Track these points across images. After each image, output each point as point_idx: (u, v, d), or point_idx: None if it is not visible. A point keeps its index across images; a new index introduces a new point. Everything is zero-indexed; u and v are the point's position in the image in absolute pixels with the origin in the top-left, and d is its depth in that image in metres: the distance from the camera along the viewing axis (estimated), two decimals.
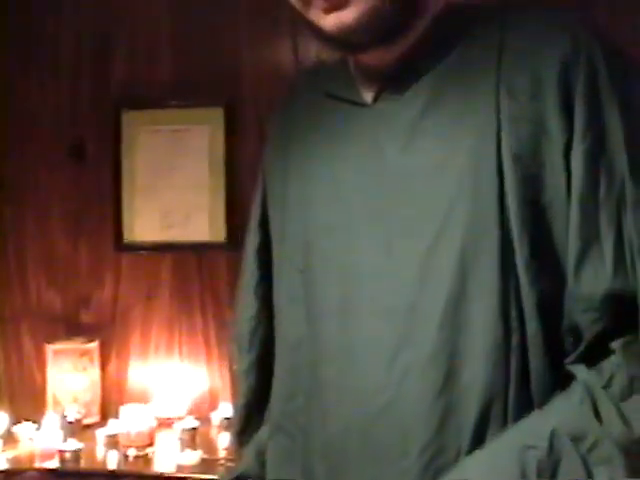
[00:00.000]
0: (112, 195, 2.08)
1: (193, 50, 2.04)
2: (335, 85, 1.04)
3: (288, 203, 1.06)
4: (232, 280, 2.03)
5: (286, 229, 1.06)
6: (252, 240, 1.14)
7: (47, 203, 2.13)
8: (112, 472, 1.79)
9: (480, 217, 0.88)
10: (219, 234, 2.01)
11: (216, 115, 2.00)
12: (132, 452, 1.83)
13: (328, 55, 1.86)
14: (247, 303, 1.13)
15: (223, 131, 2.00)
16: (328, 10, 0.91)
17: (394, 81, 0.96)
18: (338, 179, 0.99)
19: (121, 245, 2.08)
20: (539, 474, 0.81)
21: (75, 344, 2.06)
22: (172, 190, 2.04)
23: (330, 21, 0.91)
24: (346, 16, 0.90)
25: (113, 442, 1.88)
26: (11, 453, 1.87)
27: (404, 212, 0.93)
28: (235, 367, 1.13)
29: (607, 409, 0.81)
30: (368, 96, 0.99)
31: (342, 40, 0.93)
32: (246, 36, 2.02)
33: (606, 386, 0.81)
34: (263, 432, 1.08)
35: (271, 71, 2.01)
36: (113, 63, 2.09)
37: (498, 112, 0.89)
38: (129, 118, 2.06)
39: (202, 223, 2.02)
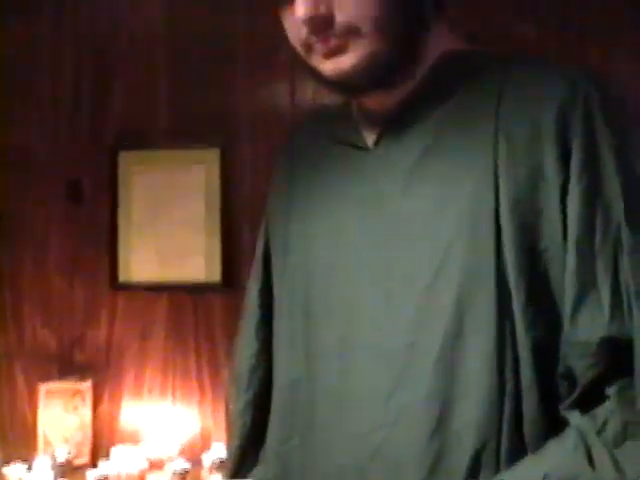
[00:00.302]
0: (109, 235, 2.08)
1: (191, 91, 2.06)
2: (338, 128, 1.06)
3: (290, 245, 1.07)
4: (227, 321, 2.03)
5: (287, 270, 1.07)
6: (255, 281, 1.15)
7: (44, 242, 2.13)
8: None
9: (477, 263, 0.89)
10: (214, 274, 2.01)
11: (213, 156, 2.02)
12: None
13: (324, 99, 1.90)
14: (247, 342, 1.14)
15: (219, 172, 2.01)
16: (327, 55, 0.92)
17: (394, 125, 0.98)
18: (339, 222, 1.01)
19: (117, 284, 2.07)
20: None
21: (67, 384, 2.05)
22: (168, 230, 2.05)
23: (329, 66, 0.93)
24: (344, 62, 0.92)
25: None
26: None
27: (403, 255, 0.94)
28: (231, 406, 1.13)
29: (600, 455, 0.80)
30: (370, 140, 1.00)
31: (341, 84, 0.94)
32: (244, 78, 2.04)
33: (600, 432, 0.81)
34: (257, 472, 1.08)
35: (268, 113, 2.03)
36: (111, 104, 2.11)
37: (496, 158, 0.90)
38: (126, 159, 2.07)
39: (198, 263, 2.03)
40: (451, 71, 0.98)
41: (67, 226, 2.12)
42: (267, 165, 1.96)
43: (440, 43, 0.99)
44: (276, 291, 1.11)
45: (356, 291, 0.97)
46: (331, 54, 0.93)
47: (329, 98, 1.86)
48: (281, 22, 1.98)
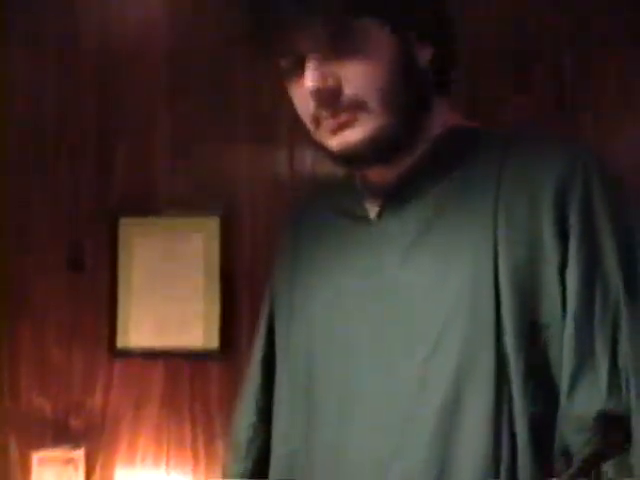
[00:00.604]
0: (108, 301, 2.08)
1: (192, 159, 2.09)
2: (342, 200, 1.08)
3: (293, 314, 1.09)
4: (223, 389, 2.02)
5: (290, 340, 1.08)
6: (258, 349, 1.16)
7: (43, 310, 2.13)
8: None
9: (476, 338, 0.90)
10: (212, 342, 2.01)
11: (212, 224, 2.03)
12: None
13: (323, 168, 1.93)
14: (247, 411, 1.14)
15: (219, 240, 2.03)
16: (335, 130, 0.95)
17: (396, 198, 1.00)
18: (341, 293, 1.02)
19: (114, 351, 2.07)
20: None
21: (61, 452, 2.02)
22: (167, 297, 2.05)
23: (336, 140, 0.96)
24: (351, 136, 0.95)
25: None
26: None
27: (402, 328, 0.95)
28: (228, 475, 1.13)
29: None
30: (372, 212, 1.02)
31: (347, 157, 0.97)
32: (244, 147, 2.07)
33: None
34: None
35: (267, 181, 2.05)
36: (113, 171, 2.13)
37: (496, 235, 0.92)
38: (126, 226, 2.09)
39: (196, 330, 2.02)
40: (452, 147, 1.00)
41: (66, 292, 2.12)
42: (266, 233, 2.01)
43: (441, 120, 1.02)
44: (278, 360, 1.11)
45: (356, 363, 0.98)
46: (339, 128, 0.95)
47: (328, 168, 1.92)
48: (280, 91, 2.02)
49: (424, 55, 1.00)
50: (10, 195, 2.17)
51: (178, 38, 2.13)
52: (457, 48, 1.06)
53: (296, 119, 1.93)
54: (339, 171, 1.86)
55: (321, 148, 1.01)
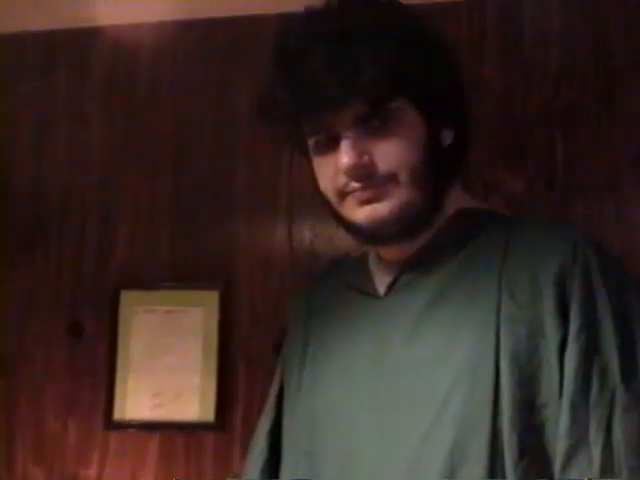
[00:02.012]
0: (106, 374, 2.09)
1: (192, 235, 2.12)
2: (354, 276, 1.11)
3: (301, 385, 1.10)
4: (218, 463, 2.01)
5: (296, 410, 1.09)
6: (266, 420, 1.17)
7: (41, 380, 2.14)
8: None
9: (474, 414, 0.92)
10: (208, 415, 2.01)
11: (211, 298, 2.06)
12: None
13: (321, 245, 1.97)
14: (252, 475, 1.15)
15: (217, 314, 2.05)
16: (364, 202, 0.98)
17: (406, 275, 1.03)
18: (348, 367, 1.04)
19: (110, 423, 2.07)
20: None
21: None
22: (165, 370, 2.06)
23: (364, 212, 0.99)
24: (381, 209, 0.99)
25: None
26: None
27: (403, 402, 0.97)
28: None
29: None
30: (382, 288, 1.05)
31: (371, 231, 1.00)
32: (243, 223, 2.11)
33: None
34: None
35: (266, 257, 2.08)
36: (114, 244, 2.16)
37: (498, 313, 0.94)
38: (127, 298, 2.11)
39: (192, 403, 2.03)
40: (463, 227, 1.04)
41: (65, 362, 2.13)
42: (265, 308, 2.03)
43: (455, 200, 1.06)
44: (285, 431, 1.13)
45: (356, 435, 1.00)
46: (367, 201, 0.98)
47: (327, 243, 1.96)
48: (279, 167, 2.07)
49: (446, 138, 1.04)
50: (14, 268, 2.20)
51: (179, 115, 2.19)
52: (471, 131, 1.11)
53: (295, 194, 2.01)
54: (338, 246, 1.93)
55: (343, 223, 1.04)
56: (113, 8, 2.09)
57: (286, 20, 1.06)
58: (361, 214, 1.00)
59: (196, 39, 2.20)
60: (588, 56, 1.97)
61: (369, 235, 1.02)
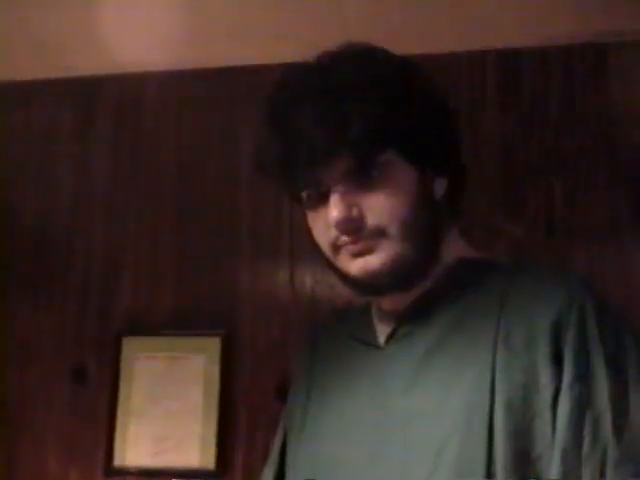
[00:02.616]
0: (107, 420, 2.09)
1: (194, 281, 2.13)
2: (356, 327, 1.12)
3: (303, 435, 1.10)
4: None
5: (297, 461, 1.09)
6: (269, 470, 1.18)
7: (42, 425, 2.13)
8: None
9: (467, 464, 0.91)
10: (209, 461, 2.01)
11: (213, 345, 2.06)
12: None
13: (323, 289, 1.97)
14: None
15: (219, 361, 2.05)
16: (356, 255, 0.99)
17: (405, 325, 1.04)
18: (347, 418, 1.04)
19: (111, 470, 2.06)
20: None
21: None
22: (165, 417, 2.06)
23: (357, 265, 1.00)
24: (372, 261, 0.99)
25: None
26: None
27: (400, 453, 0.97)
28: None
29: None
30: (382, 338, 1.05)
31: (366, 283, 1.00)
32: (246, 268, 2.12)
33: None
34: None
35: (268, 303, 2.08)
36: (118, 292, 2.17)
37: (494, 361, 0.94)
38: (129, 344, 2.12)
39: (193, 450, 2.02)
40: (460, 277, 1.04)
41: (67, 408, 2.13)
42: (267, 354, 2.04)
43: (452, 248, 1.06)
44: (287, 477, 1.13)
45: None
46: (359, 254, 0.99)
47: (328, 288, 1.97)
48: (281, 213, 2.09)
49: (439, 188, 1.05)
50: (17, 311, 2.21)
51: (182, 162, 2.21)
52: (466, 179, 1.11)
53: (296, 241, 2.02)
54: (339, 293, 1.93)
55: (340, 275, 1.04)
56: (118, 57, 2.12)
57: (281, 73, 1.07)
58: (354, 267, 1.00)
59: (200, 88, 2.22)
60: (588, 104, 1.99)
61: (364, 287, 1.03)
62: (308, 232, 1.09)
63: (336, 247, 1.01)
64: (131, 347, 2.12)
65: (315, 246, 1.07)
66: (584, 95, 2.00)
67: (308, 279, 2.06)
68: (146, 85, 2.26)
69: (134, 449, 2.06)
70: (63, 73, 2.25)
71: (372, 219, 0.99)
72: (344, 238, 1.00)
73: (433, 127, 1.03)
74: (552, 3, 1.84)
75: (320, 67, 1.02)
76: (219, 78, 2.21)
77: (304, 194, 1.05)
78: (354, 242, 0.99)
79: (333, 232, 1.00)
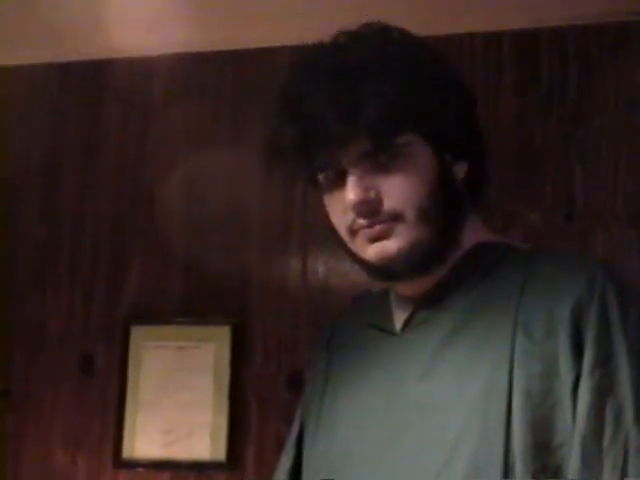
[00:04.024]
0: (115, 410, 2.07)
1: (204, 269, 2.11)
2: (374, 314, 1.11)
3: (320, 423, 1.10)
4: None
5: (314, 449, 1.09)
6: (286, 459, 1.18)
7: (50, 414, 2.12)
8: None
9: (485, 456, 0.90)
10: (219, 453, 1.98)
11: (223, 334, 2.03)
12: None
13: (336, 279, 1.95)
14: None
15: (229, 350, 2.02)
16: (372, 240, 0.97)
17: (422, 311, 1.02)
18: (363, 405, 1.04)
19: (120, 461, 2.04)
20: None
21: None
22: (175, 407, 2.04)
23: (374, 250, 0.98)
24: (389, 246, 0.97)
25: None
26: None
27: (415, 441, 0.96)
28: None
29: None
30: (398, 324, 1.04)
31: (382, 268, 0.98)
32: (257, 258, 2.09)
33: None
34: None
35: (280, 291, 2.06)
36: (126, 279, 2.15)
37: (513, 349, 0.93)
38: (137, 333, 2.09)
39: (203, 441, 2.00)
40: (480, 262, 1.03)
41: (75, 397, 2.12)
42: (278, 344, 2.01)
43: (473, 233, 1.04)
44: (304, 470, 1.12)
45: (371, 474, 0.98)
46: (376, 239, 0.97)
47: (341, 278, 1.94)
48: (293, 202, 2.08)
49: (459, 172, 1.03)
50: (24, 301, 2.19)
51: (192, 148, 2.18)
52: (488, 164, 1.09)
53: (309, 229, 2.00)
54: (353, 281, 1.91)
55: (356, 259, 1.03)
56: (127, 40, 2.09)
57: (294, 55, 1.06)
58: (371, 252, 0.99)
59: (209, 71, 2.20)
60: (607, 86, 1.95)
61: (380, 272, 1.01)
62: (325, 216, 1.07)
63: (353, 231, 1.00)
64: (140, 336, 2.09)
65: (332, 230, 1.06)
66: (603, 76, 1.96)
67: (321, 267, 2.04)
68: (155, 68, 2.23)
69: (143, 440, 2.04)
70: (72, 57, 2.23)
71: (389, 202, 0.97)
72: (360, 221, 0.98)
73: (452, 109, 1.01)
74: None
75: (336, 47, 1.01)
76: (229, 61, 2.18)
77: (320, 176, 1.03)
78: (370, 225, 0.98)
79: (350, 215, 0.99)
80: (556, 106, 1.98)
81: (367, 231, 0.98)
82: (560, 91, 1.98)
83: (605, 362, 0.89)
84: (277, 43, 2.00)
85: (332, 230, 1.05)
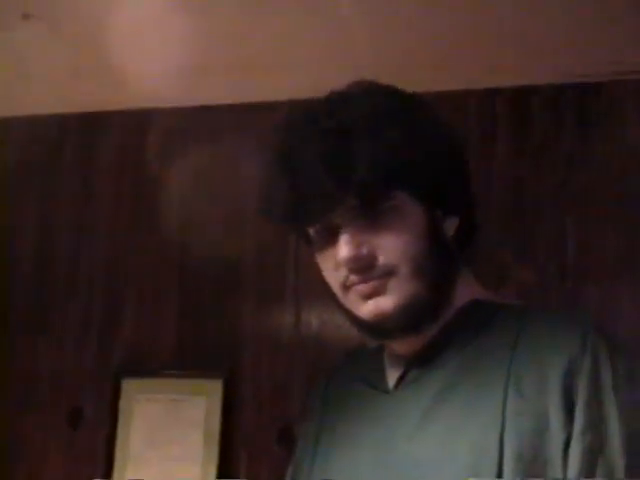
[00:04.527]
0: (104, 463, 2.04)
1: (196, 321, 2.10)
2: (367, 370, 1.11)
3: (311, 477, 1.09)
4: None
5: None
6: None
7: (38, 467, 2.09)
8: None
9: None
10: None
11: (214, 387, 2.01)
12: None
13: (329, 333, 1.93)
14: None
15: (220, 404, 2.00)
16: (366, 297, 0.97)
17: (414, 369, 1.02)
18: (354, 464, 1.04)
19: None
20: None
21: None
22: (164, 461, 2.01)
23: (368, 308, 0.98)
24: (385, 302, 0.97)
25: None
26: None
27: None
28: None
29: None
30: (391, 382, 1.03)
31: (376, 326, 0.98)
32: (250, 309, 2.07)
33: None
34: None
35: (272, 344, 2.04)
36: (118, 331, 2.14)
37: (504, 407, 0.92)
38: (128, 386, 2.07)
39: None
40: (472, 320, 1.02)
41: (64, 450, 2.09)
42: (270, 398, 1.99)
43: (465, 290, 1.04)
44: None
45: None
46: (370, 296, 0.97)
47: (334, 331, 1.93)
48: (287, 252, 2.07)
49: (450, 227, 1.03)
50: (14, 348, 2.17)
51: (186, 199, 2.18)
52: (478, 219, 1.10)
53: (302, 282, 1.99)
54: (346, 334, 1.89)
55: (349, 316, 1.03)
56: (123, 93, 2.10)
57: (291, 109, 1.07)
58: (365, 309, 0.99)
59: (204, 125, 2.21)
60: (599, 143, 1.96)
61: (373, 330, 1.01)
62: (318, 272, 1.07)
63: (345, 287, 1.00)
64: (131, 388, 2.07)
65: (325, 286, 1.06)
66: (596, 132, 1.97)
67: (314, 320, 2.03)
68: (151, 122, 2.24)
69: None
70: (69, 109, 2.24)
71: (383, 257, 0.97)
72: (353, 277, 0.98)
73: (442, 166, 1.02)
74: (563, 41, 1.82)
75: (326, 107, 1.02)
76: (225, 115, 2.19)
77: (312, 232, 1.04)
78: (364, 281, 0.98)
79: (343, 272, 0.99)
80: (548, 162, 1.98)
81: (360, 288, 0.98)
82: (553, 147, 1.99)
83: (596, 424, 0.88)
84: (274, 98, 2.02)
85: (325, 285, 1.05)
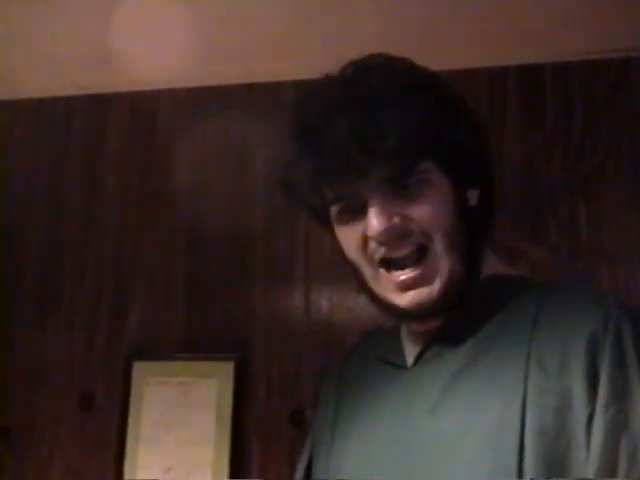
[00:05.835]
0: (116, 448, 2.04)
1: (207, 304, 2.09)
2: (384, 348, 1.10)
3: (330, 458, 1.08)
4: None
5: None
6: None
7: (49, 452, 2.09)
8: None
9: None
10: None
11: (226, 370, 2.01)
12: None
13: (339, 315, 1.93)
14: None
15: (232, 386, 2.00)
16: (408, 288, 0.96)
17: (435, 345, 1.01)
18: (373, 439, 1.04)
19: None
20: None
21: None
22: (176, 444, 2.01)
23: (407, 298, 0.97)
24: (427, 292, 0.96)
25: None
26: None
27: (425, 476, 0.94)
28: None
29: None
30: (410, 359, 1.03)
31: (415, 312, 0.98)
32: (260, 293, 2.07)
33: None
34: None
35: (283, 328, 2.04)
36: (128, 314, 2.13)
37: (526, 383, 0.92)
38: (139, 369, 2.07)
39: (204, 478, 1.97)
40: (493, 296, 1.01)
41: (75, 434, 2.09)
42: (280, 380, 1.99)
43: (486, 265, 1.03)
44: None
45: None
46: (410, 287, 0.96)
47: (344, 313, 1.93)
48: (297, 237, 2.07)
49: (472, 198, 1.02)
50: (24, 335, 2.17)
51: (196, 184, 2.17)
52: (496, 193, 1.09)
53: (312, 265, 1.98)
54: (356, 316, 1.90)
55: (377, 300, 1.01)
56: (131, 74, 2.09)
57: (303, 89, 1.05)
58: (404, 299, 0.98)
59: (213, 106, 2.20)
60: (611, 123, 1.94)
61: (410, 315, 1.01)
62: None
63: (374, 263, 0.99)
64: (141, 371, 2.07)
65: (349, 265, 1.04)
66: (608, 111, 1.96)
67: (324, 303, 2.03)
68: (159, 102, 2.23)
69: (144, 477, 2.01)
70: (75, 91, 2.23)
71: (417, 227, 0.97)
72: (383, 250, 0.97)
73: (467, 137, 1.01)
74: (573, 18, 1.80)
75: (345, 78, 1.01)
76: (233, 96, 2.18)
77: (335, 209, 1.02)
78: (397, 249, 0.96)
79: (372, 246, 0.97)
80: (560, 141, 1.97)
81: (398, 276, 0.97)
82: (565, 126, 1.98)
83: (620, 399, 0.87)
84: (280, 78, 2.01)
85: (349, 264, 1.03)
